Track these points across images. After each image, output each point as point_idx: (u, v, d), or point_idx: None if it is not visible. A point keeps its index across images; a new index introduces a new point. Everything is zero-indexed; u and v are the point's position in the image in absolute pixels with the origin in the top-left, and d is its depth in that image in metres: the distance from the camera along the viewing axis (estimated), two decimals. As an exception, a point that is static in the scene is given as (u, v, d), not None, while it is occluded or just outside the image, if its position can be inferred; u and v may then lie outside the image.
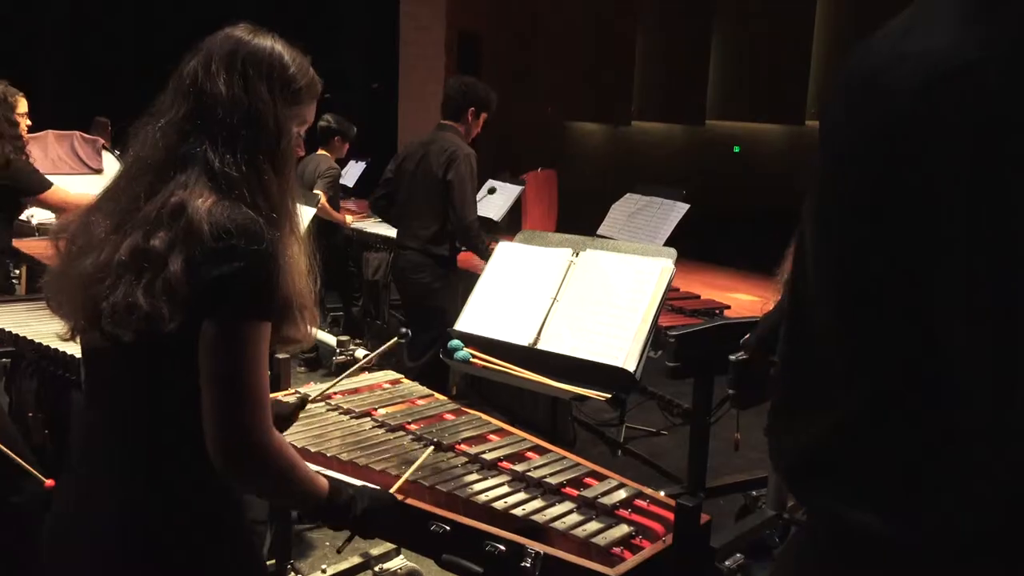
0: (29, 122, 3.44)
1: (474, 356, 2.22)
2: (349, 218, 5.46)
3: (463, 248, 3.87)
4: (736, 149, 10.06)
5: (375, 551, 2.72)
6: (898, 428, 0.82)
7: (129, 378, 1.23)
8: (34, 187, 3.34)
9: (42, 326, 2.54)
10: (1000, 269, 0.72)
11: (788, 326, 0.96)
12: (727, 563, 2.42)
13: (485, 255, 3.80)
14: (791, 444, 0.93)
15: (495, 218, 4.79)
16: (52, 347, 2.36)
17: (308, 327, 1.33)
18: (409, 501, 1.58)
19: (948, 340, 0.76)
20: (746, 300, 3.56)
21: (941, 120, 0.75)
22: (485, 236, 3.82)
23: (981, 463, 0.76)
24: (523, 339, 2.17)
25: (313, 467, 1.38)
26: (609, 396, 1.97)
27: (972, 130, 0.73)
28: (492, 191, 4.94)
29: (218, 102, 1.24)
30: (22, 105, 3.34)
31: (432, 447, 1.77)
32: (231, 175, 1.22)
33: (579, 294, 2.19)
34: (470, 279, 3.90)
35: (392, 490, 1.55)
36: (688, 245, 3.87)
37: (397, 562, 2.73)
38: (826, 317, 0.87)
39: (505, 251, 2.42)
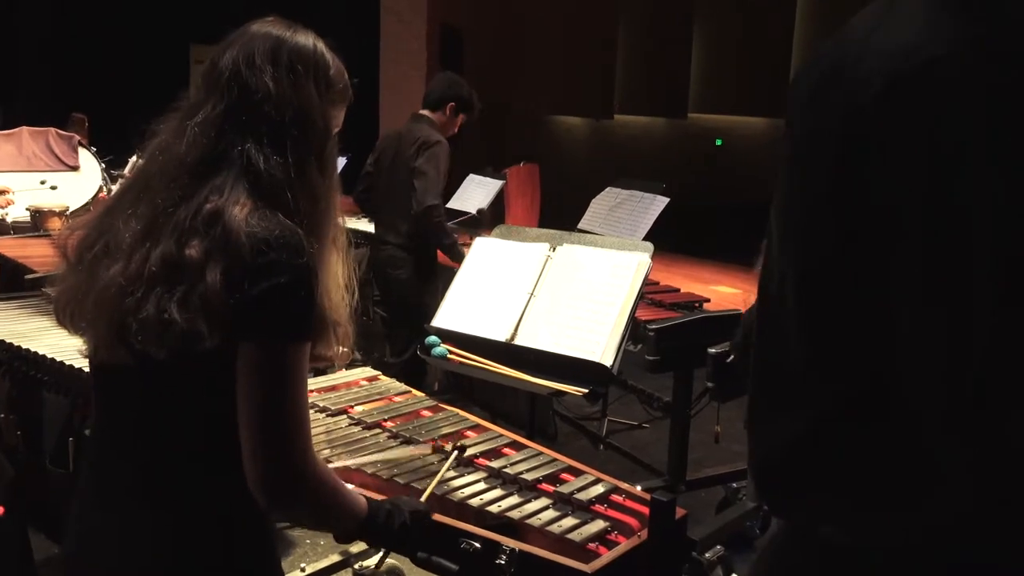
0: None
1: (451, 352, 2.21)
2: None
3: (422, 232, 3.76)
4: (718, 142, 10.09)
5: (355, 549, 2.71)
6: (862, 434, 0.81)
7: (154, 399, 1.15)
8: None
9: (13, 326, 2.50)
10: (954, 261, 0.72)
11: (758, 327, 0.94)
12: (707, 555, 2.43)
13: (445, 247, 3.74)
14: (761, 450, 0.92)
15: (475, 212, 4.78)
16: (23, 347, 2.33)
17: (340, 346, 1.26)
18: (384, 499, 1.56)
19: (904, 332, 0.75)
20: (728, 292, 3.56)
21: (900, 117, 0.74)
22: (448, 227, 3.78)
23: (944, 467, 0.75)
24: (500, 335, 2.16)
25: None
26: (586, 391, 1.97)
27: (929, 128, 0.72)
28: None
29: (265, 98, 1.15)
30: None
31: (456, 452, 1.68)
32: (276, 177, 1.13)
33: (556, 289, 2.18)
34: (450, 275, 3.90)
35: (423, 499, 1.49)
36: (670, 238, 3.88)
37: (377, 559, 2.71)
38: (790, 316, 0.86)
39: (482, 246, 2.41)
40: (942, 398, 0.73)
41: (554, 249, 2.27)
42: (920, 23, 0.76)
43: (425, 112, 3.81)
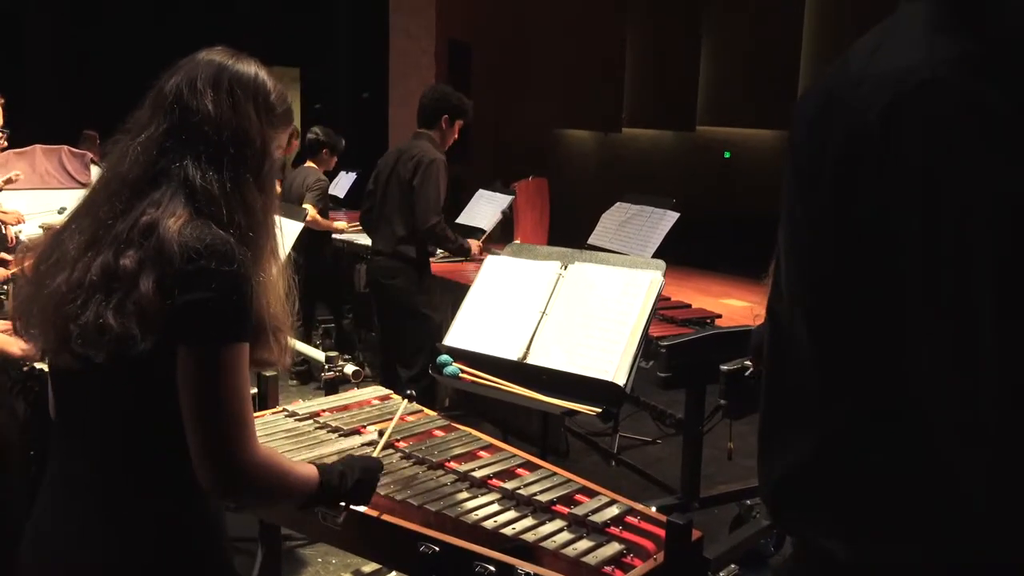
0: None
1: (463, 371, 2.21)
2: (340, 223, 5.45)
3: (438, 251, 3.98)
4: (727, 155, 10.08)
5: (367, 568, 2.70)
6: (872, 453, 0.81)
7: (101, 400, 1.22)
8: None
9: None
10: (954, 278, 0.72)
11: (767, 346, 0.95)
12: (722, 574, 2.41)
13: (458, 250, 3.98)
14: (771, 468, 0.92)
15: (485, 228, 4.79)
16: (36, 367, 2.34)
17: (282, 349, 1.33)
18: (398, 521, 1.56)
19: (911, 348, 0.76)
20: (739, 306, 3.55)
21: (898, 138, 0.75)
22: (454, 234, 3.92)
23: (960, 477, 0.74)
24: (512, 354, 2.16)
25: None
26: (600, 411, 1.96)
27: (926, 148, 0.74)
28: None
29: (205, 119, 1.23)
30: None
31: (407, 399, 1.81)
32: (211, 191, 1.21)
33: (568, 307, 2.17)
34: (451, 288, 3.94)
35: (375, 454, 1.59)
36: (680, 251, 3.88)
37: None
38: (799, 336, 0.87)
39: (493, 264, 2.41)
40: (954, 409, 0.73)
41: (565, 267, 2.27)
42: (917, 45, 0.77)
43: (422, 130, 3.90)
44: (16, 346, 2.23)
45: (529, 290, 2.26)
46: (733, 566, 2.48)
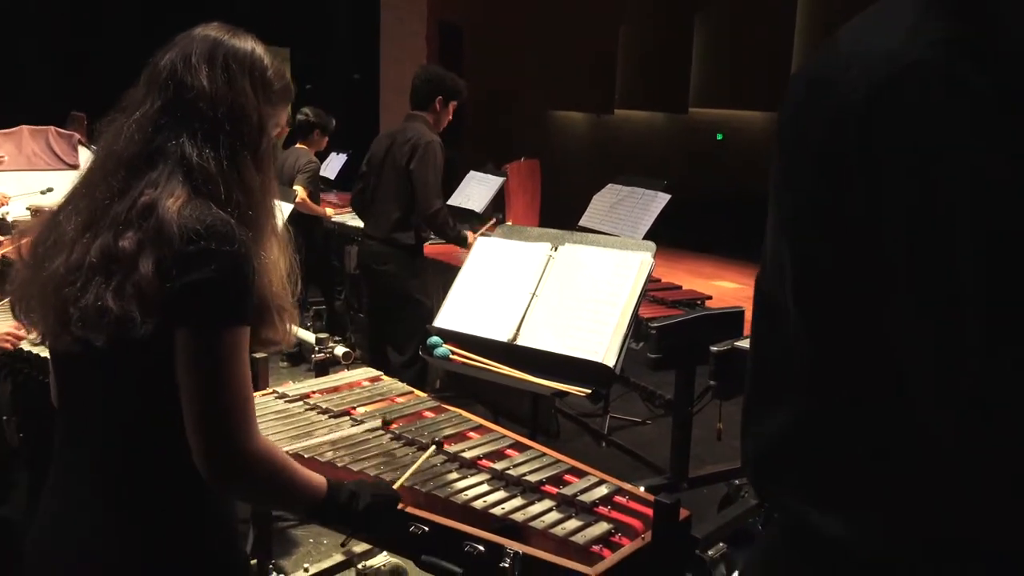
0: None
1: (454, 353, 2.21)
2: (330, 211, 5.43)
3: (432, 236, 3.92)
4: (719, 136, 10.08)
5: (358, 548, 2.71)
6: (858, 428, 0.82)
7: (103, 383, 1.20)
8: None
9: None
10: (939, 265, 0.72)
11: (754, 323, 0.96)
12: (710, 552, 2.43)
13: (455, 239, 3.90)
14: (754, 442, 0.93)
15: (477, 209, 4.78)
16: (23, 349, 2.33)
17: (287, 328, 1.30)
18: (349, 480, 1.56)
19: (895, 330, 0.76)
20: (730, 287, 3.57)
21: (883, 122, 0.74)
22: (452, 221, 3.87)
23: (938, 462, 0.75)
24: (502, 335, 2.16)
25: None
26: (589, 392, 1.96)
27: (911, 131, 0.73)
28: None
29: (200, 95, 1.21)
30: None
31: (433, 447, 1.72)
32: (209, 170, 1.18)
33: (558, 289, 2.18)
34: (442, 270, 3.93)
35: (396, 486, 1.51)
36: (672, 233, 3.87)
37: (380, 559, 2.72)
38: (785, 314, 0.88)
39: (484, 246, 2.41)
40: (938, 382, 0.73)
41: (556, 249, 2.27)
42: (904, 28, 0.76)
43: (416, 112, 3.84)
44: None
45: (519, 272, 2.26)
46: (721, 544, 2.50)
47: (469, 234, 4.15)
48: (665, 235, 3.79)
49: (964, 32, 0.73)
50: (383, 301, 3.92)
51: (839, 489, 0.84)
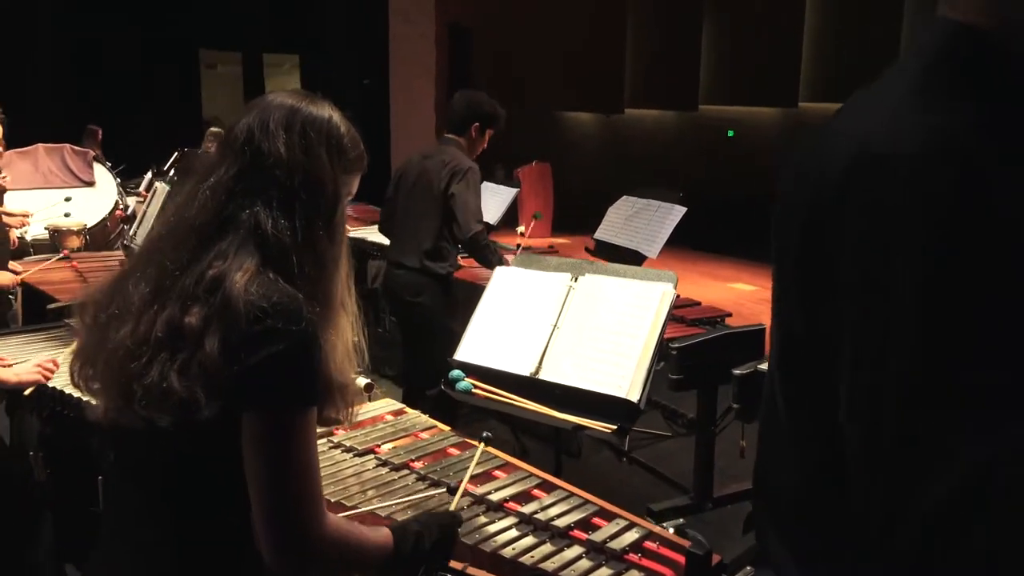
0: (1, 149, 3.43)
1: (476, 387, 2.21)
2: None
3: (471, 257, 3.78)
4: (730, 133, 10.03)
5: None
6: (829, 502, 0.85)
7: (162, 461, 1.17)
8: None
9: (40, 359, 2.52)
10: (877, 339, 0.74)
11: (767, 383, 1.00)
12: (736, 576, 2.42)
13: (493, 265, 3.76)
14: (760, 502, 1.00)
15: (492, 221, 4.77)
16: (53, 386, 2.35)
17: (350, 409, 1.28)
18: (409, 519, 1.56)
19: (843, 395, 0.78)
20: (748, 290, 3.55)
21: (853, 204, 0.76)
22: (494, 246, 3.70)
23: (893, 545, 0.76)
24: (524, 369, 2.16)
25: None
26: (613, 428, 1.96)
27: (873, 216, 0.74)
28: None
29: (277, 163, 1.18)
30: None
31: (483, 442, 1.76)
32: (282, 241, 1.15)
33: (579, 321, 2.17)
34: (469, 290, 3.88)
35: (452, 507, 1.51)
36: (686, 234, 3.84)
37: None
38: (777, 382, 0.93)
39: (503, 276, 2.40)
40: (865, 439, 0.75)
41: (576, 279, 2.26)
42: (889, 112, 0.78)
43: (451, 136, 3.68)
44: (12, 374, 2.25)
45: (540, 303, 2.25)
46: (749, 568, 2.50)
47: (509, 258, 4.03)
48: (679, 236, 3.77)
49: (940, 126, 0.74)
50: (416, 333, 3.75)
51: (814, 560, 0.89)
